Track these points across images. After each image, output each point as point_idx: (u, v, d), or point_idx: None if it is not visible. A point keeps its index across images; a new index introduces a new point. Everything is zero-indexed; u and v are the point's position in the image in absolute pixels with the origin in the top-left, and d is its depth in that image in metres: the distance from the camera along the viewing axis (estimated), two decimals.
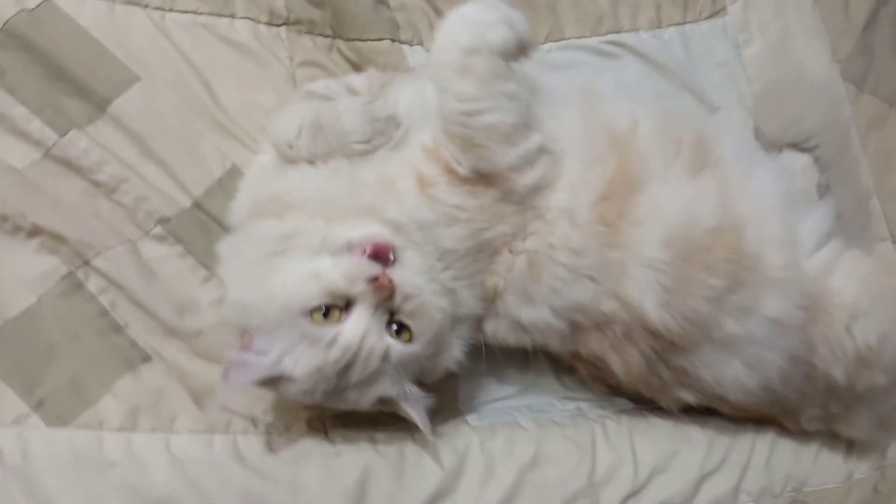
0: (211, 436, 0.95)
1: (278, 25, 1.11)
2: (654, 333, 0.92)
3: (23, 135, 0.98)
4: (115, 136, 1.01)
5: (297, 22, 1.11)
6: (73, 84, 1.01)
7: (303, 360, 0.85)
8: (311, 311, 0.84)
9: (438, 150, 0.88)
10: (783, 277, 0.93)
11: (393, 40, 1.10)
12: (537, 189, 0.90)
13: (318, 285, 0.84)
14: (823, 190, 1.23)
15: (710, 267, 0.90)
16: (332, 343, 0.83)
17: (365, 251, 0.85)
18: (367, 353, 0.84)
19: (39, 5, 1.00)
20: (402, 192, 0.88)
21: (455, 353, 0.94)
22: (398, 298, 0.85)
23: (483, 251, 0.91)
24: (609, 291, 0.91)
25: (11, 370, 0.92)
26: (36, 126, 0.98)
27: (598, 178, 0.91)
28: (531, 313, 0.93)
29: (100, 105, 1.01)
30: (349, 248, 0.86)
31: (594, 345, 0.96)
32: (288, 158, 0.93)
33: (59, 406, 0.92)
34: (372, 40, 1.10)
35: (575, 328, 0.95)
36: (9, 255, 0.96)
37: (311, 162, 0.92)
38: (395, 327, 0.86)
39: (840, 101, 1.28)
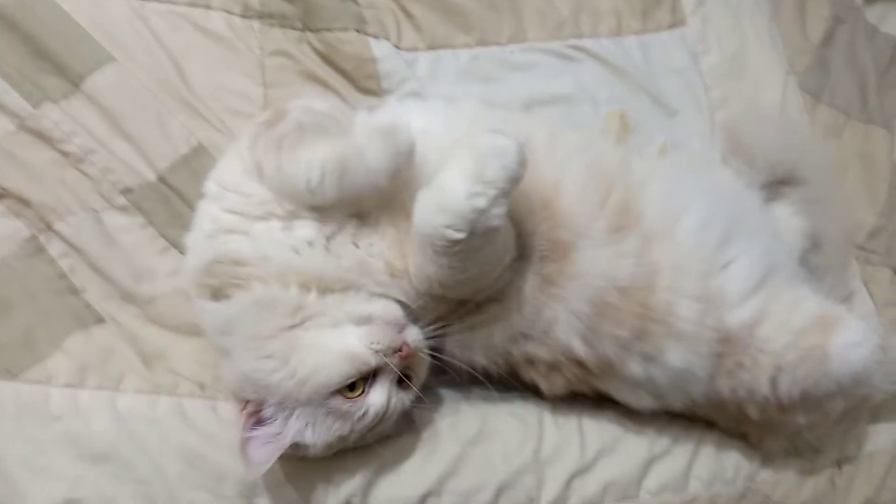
0: (157, 396, 0.96)
1: (251, 18, 1.17)
2: (578, 363, 0.96)
3: (0, 106, 1.03)
4: (86, 110, 1.06)
5: (270, 15, 1.18)
6: (52, 62, 1.06)
7: (327, 431, 0.87)
8: (343, 392, 0.86)
9: (405, 250, 0.88)
10: (692, 330, 0.94)
11: (359, 31, 1.16)
12: None
13: (353, 365, 0.85)
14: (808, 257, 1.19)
15: (620, 321, 0.93)
16: (363, 416, 0.87)
17: (387, 323, 0.88)
18: (391, 414, 0.89)
19: None
20: (376, 273, 0.88)
21: None
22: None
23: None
24: (539, 339, 0.95)
25: None
26: (13, 98, 1.04)
27: (538, 245, 0.93)
28: (469, 356, 0.96)
29: (74, 82, 1.06)
30: (369, 320, 0.88)
31: (524, 373, 0.99)
32: (307, 203, 0.87)
33: (9, 359, 0.94)
34: (338, 30, 1.15)
35: (507, 362, 0.99)
36: None
37: (322, 209, 0.88)
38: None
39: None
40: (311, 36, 1.17)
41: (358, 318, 0.87)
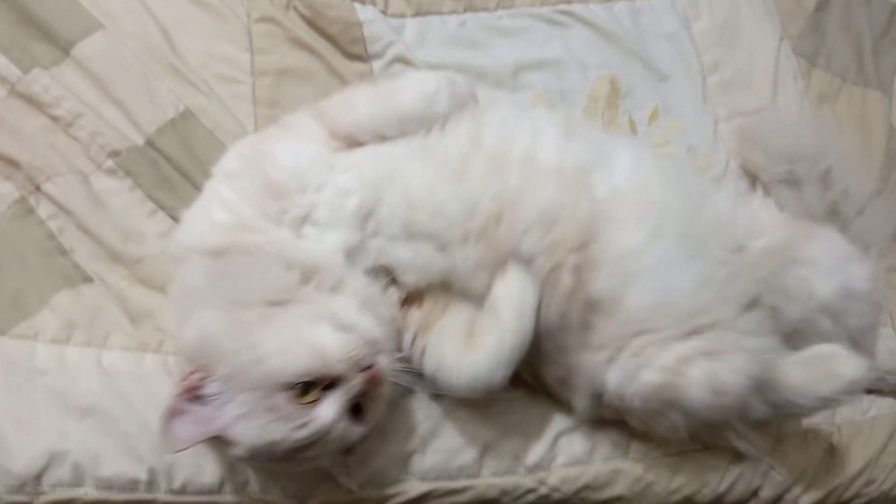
0: (143, 353, 0.97)
1: None
2: None
3: None
4: (75, 76, 1.08)
5: None
6: (41, 30, 1.08)
7: (260, 431, 0.80)
8: (295, 389, 0.80)
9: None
10: None
11: None
12: None
13: (318, 362, 0.81)
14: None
15: None
16: (302, 426, 0.80)
17: (365, 339, 0.84)
18: (331, 438, 0.82)
19: None
20: (380, 309, 0.89)
21: None
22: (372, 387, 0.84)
23: None
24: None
25: None
26: (3, 64, 1.06)
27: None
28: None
29: (64, 48, 1.08)
30: (351, 330, 0.84)
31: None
32: (423, 119, 0.93)
33: None
34: None
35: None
36: None
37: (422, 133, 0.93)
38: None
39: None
40: (296, 2, 1.18)
41: (340, 323, 0.83)
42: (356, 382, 0.81)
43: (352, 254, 0.91)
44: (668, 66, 1.29)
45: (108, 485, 0.92)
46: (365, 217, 0.91)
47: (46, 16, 1.08)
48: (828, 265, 1.01)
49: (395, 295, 0.94)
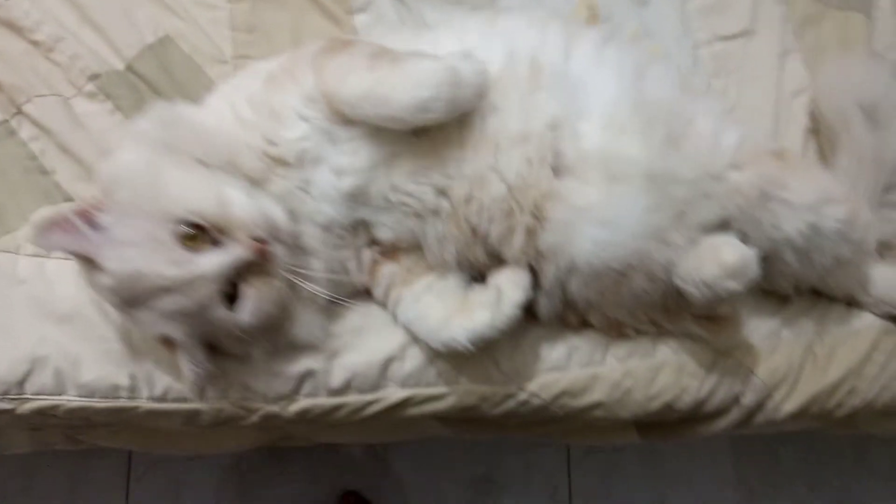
0: None
1: None
2: None
3: None
4: (55, 2, 1.10)
5: None
6: None
7: (133, 260, 0.81)
8: (183, 224, 0.82)
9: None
10: None
11: None
12: None
13: (213, 205, 0.82)
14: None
15: None
16: (175, 263, 0.81)
17: (271, 223, 0.85)
18: (192, 292, 0.81)
19: None
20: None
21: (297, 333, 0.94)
22: (253, 271, 0.84)
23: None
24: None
25: None
26: None
27: None
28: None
29: None
30: (265, 209, 0.86)
31: None
32: (393, 123, 0.88)
33: None
34: None
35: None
36: None
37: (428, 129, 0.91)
38: (226, 291, 0.84)
39: None
40: None
41: (255, 198, 0.85)
42: (244, 247, 0.82)
43: (331, 222, 0.94)
44: None
45: (89, 391, 0.94)
46: (355, 195, 0.93)
47: None
48: (802, 203, 1.00)
49: (368, 255, 0.98)
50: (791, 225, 0.99)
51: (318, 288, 0.91)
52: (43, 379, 0.92)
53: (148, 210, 0.82)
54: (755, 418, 1.12)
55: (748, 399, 1.10)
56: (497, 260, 0.97)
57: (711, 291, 0.92)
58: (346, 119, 0.90)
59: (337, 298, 0.95)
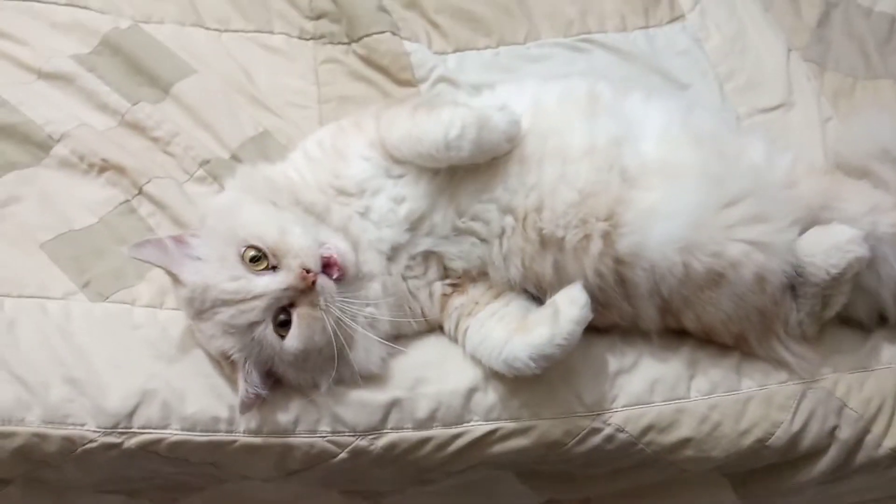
0: None
1: (306, 39, 1.41)
2: None
3: (104, 106, 1.27)
4: (173, 109, 1.28)
5: (321, 36, 1.41)
6: (147, 76, 1.30)
7: (202, 272, 0.94)
8: (248, 248, 0.94)
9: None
10: None
11: (393, 33, 1.37)
12: None
13: (274, 234, 0.94)
14: None
15: None
16: (235, 278, 0.93)
17: (326, 253, 0.95)
18: (246, 309, 0.92)
19: (129, 27, 1.35)
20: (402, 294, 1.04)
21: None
22: (305, 298, 0.93)
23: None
24: None
25: (68, 261, 1.10)
26: (114, 99, 1.27)
27: None
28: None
29: (164, 89, 1.29)
30: (321, 242, 0.96)
31: None
32: (430, 160, 1.00)
33: (100, 286, 1.08)
34: (376, 33, 1.37)
35: None
36: (82, 187, 1.19)
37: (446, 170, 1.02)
38: (281, 318, 0.94)
39: None
40: (354, 46, 1.39)
41: (315, 234, 0.96)
42: (294, 275, 0.92)
43: (396, 249, 1.03)
44: (686, 77, 1.42)
45: (191, 424, 0.98)
46: (417, 221, 1.03)
47: (151, 65, 1.30)
48: (857, 212, 1.07)
49: (438, 288, 1.05)
50: (844, 232, 1.04)
51: (375, 312, 0.98)
52: (150, 412, 0.97)
53: (224, 233, 0.96)
54: (856, 457, 1.08)
55: (845, 433, 1.07)
56: (563, 275, 1.02)
57: (840, 255, 1.01)
58: (397, 160, 1.03)
59: (394, 330, 1.01)
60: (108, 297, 1.07)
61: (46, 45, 1.31)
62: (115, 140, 1.23)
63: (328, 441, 1.00)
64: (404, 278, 1.03)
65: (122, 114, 1.26)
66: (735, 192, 1.02)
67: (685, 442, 1.05)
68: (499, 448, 1.03)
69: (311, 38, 1.42)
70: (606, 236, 1.00)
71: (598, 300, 1.00)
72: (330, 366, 0.96)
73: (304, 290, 0.92)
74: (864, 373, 1.08)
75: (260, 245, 0.94)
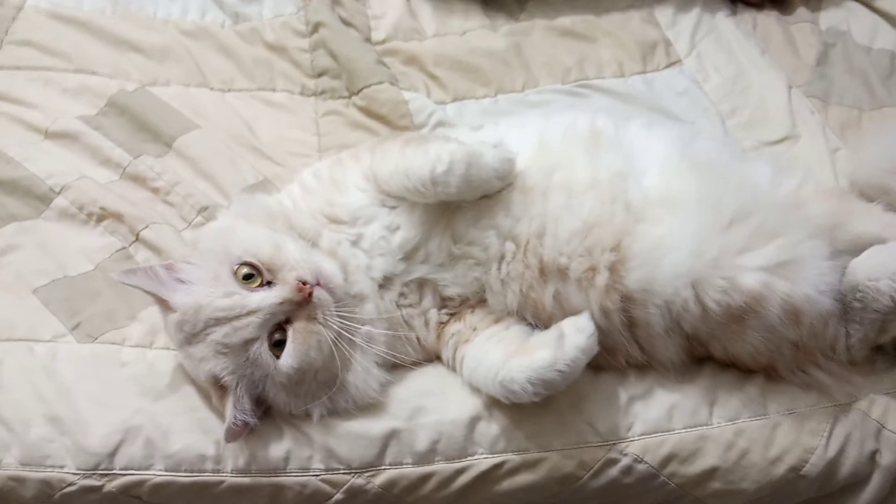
0: None
1: (308, 95, 1.44)
2: None
3: (107, 161, 1.28)
4: (175, 161, 1.29)
5: (322, 92, 1.44)
6: (151, 133, 1.33)
7: (195, 293, 0.91)
8: (242, 265, 0.92)
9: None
10: None
11: (391, 83, 1.39)
12: None
13: (269, 249, 0.93)
14: None
15: None
16: (229, 295, 0.90)
17: (316, 268, 0.93)
18: (240, 325, 0.88)
19: (136, 89, 1.39)
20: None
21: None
22: (301, 312, 0.90)
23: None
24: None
25: (60, 304, 1.08)
26: (118, 153, 1.28)
27: None
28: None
29: (167, 143, 1.31)
30: (315, 259, 0.94)
31: None
32: (417, 195, 0.97)
33: (90, 328, 1.06)
34: (375, 84, 1.39)
35: None
36: (79, 236, 1.19)
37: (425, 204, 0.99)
38: (276, 336, 0.90)
39: None
40: (354, 98, 1.41)
41: (307, 248, 0.95)
42: (290, 287, 0.89)
43: (388, 278, 1.00)
44: (687, 115, 1.41)
45: (176, 463, 0.92)
46: (412, 251, 1.01)
47: (155, 123, 1.33)
48: (868, 233, 1.03)
49: (434, 315, 1.02)
50: (863, 264, 0.99)
51: (372, 330, 0.94)
52: (133, 450, 0.92)
53: (217, 253, 0.95)
54: None
55: (887, 458, 0.98)
56: (566, 307, 0.97)
57: None
58: (388, 193, 1.01)
59: (390, 355, 0.96)
60: (96, 339, 1.04)
61: (55, 107, 1.35)
62: (116, 191, 1.24)
63: (322, 480, 0.93)
64: (398, 306, 0.99)
65: (123, 167, 1.27)
66: (735, 209, 0.98)
67: (711, 472, 0.96)
68: (507, 484, 0.95)
69: (313, 95, 1.45)
70: (614, 269, 0.96)
71: (602, 344, 0.94)
72: (324, 391, 0.91)
73: (301, 304, 0.89)
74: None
75: (254, 261, 0.92)
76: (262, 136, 1.35)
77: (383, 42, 1.52)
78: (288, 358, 0.89)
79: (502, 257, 0.99)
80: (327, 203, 1.02)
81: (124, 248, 1.18)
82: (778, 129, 1.39)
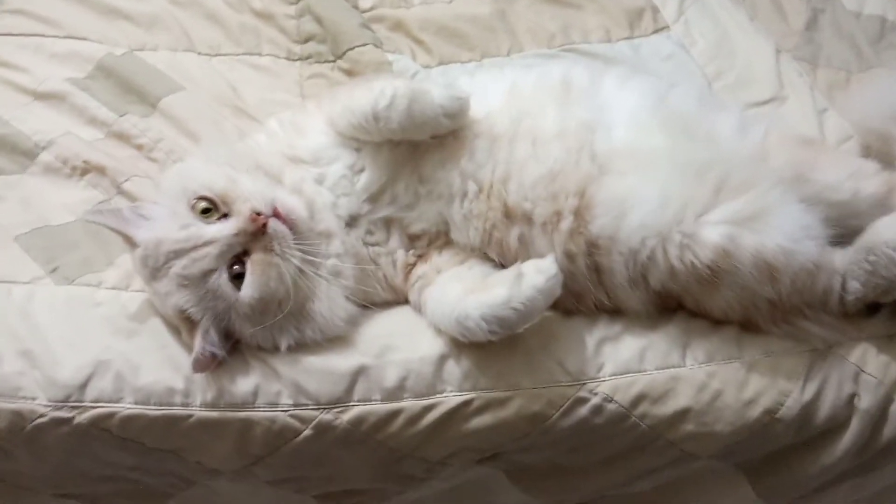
0: None
1: (293, 60, 1.45)
2: None
3: (93, 120, 1.29)
4: (160, 121, 1.30)
5: (308, 56, 1.45)
6: (137, 94, 1.34)
7: (155, 229, 0.93)
8: (198, 199, 0.93)
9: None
10: None
11: (375, 46, 1.40)
12: None
13: (223, 182, 0.94)
14: None
15: None
16: (186, 227, 0.92)
17: (274, 203, 0.93)
18: (198, 257, 0.90)
19: (124, 53, 1.40)
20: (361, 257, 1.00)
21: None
22: (258, 244, 0.91)
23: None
24: None
25: (40, 251, 1.09)
26: (103, 112, 1.30)
27: None
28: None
29: (152, 104, 1.32)
30: (271, 191, 0.95)
31: None
32: (363, 132, 0.98)
33: (68, 272, 1.06)
34: (359, 46, 1.40)
35: None
36: (62, 191, 1.20)
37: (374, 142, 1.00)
38: (236, 268, 0.91)
39: None
40: (339, 62, 1.42)
41: (265, 182, 0.96)
42: (244, 218, 0.90)
43: (354, 217, 1.01)
44: (674, 78, 1.40)
45: (145, 396, 0.93)
46: (377, 192, 1.01)
47: (141, 84, 1.33)
48: (833, 180, 1.02)
49: (402, 256, 1.01)
50: (837, 196, 0.99)
51: (339, 264, 0.95)
52: (103, 384, 0.93)
53: (176, 191, 0.97)
54: (882, 431, 0.97)
55: (865, 402, 0.96)
56: (531, 250, 0.97)
57: None
58: (340, 133, 1.02)
59: (359, 290, 0.97)
60: (73, 281, 1.05)
61: (44, 71, 1.36)
62: (101, 148, 1.25)
63: (290, 415, 0.93)
64: (365, 244, 1.00)
65: (109, 125, 1.29)
66: (701, 165, 0.98)
67: (684, 413, 0.95)
68: (476, 423, 0.94)
69: (299, 59, 1.45)
70: (578, 214, 0.96)
71: (569, 288, 0.94)
72: (291, 322, 0.92)
73: (256, 234, 0.90)
74: (878, 339, 0.98)
75: (209, 195, 0.93)
76: (246, 99, 1.36)
77: (370, 10, 1.53)
78: (248, 289, 0.90)
79: (464, 194, 0.99)
80: (289, 146, 1.03)
81: (107, 200, 1.19)
82: (764, 91, 1.38)
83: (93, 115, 1.30)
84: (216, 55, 1.45)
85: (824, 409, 0.95)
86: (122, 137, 1.28)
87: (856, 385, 0.96)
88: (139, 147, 1.27)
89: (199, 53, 1.44)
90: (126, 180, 1.20)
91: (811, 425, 0.96)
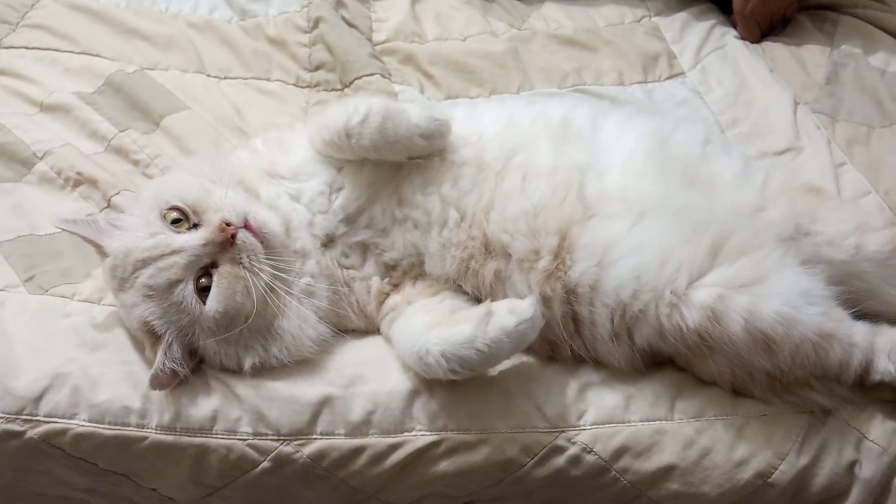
0: None
1: (302, 87, 1.45)
2: None
3: (95, 133, 1.29)
4: (161, 139, 1.30)
5: (317, 84, 1.45)
6: (142, 110, 1.34)
7: (125, 239, 0.91)
8: (170, 209, 0.91)
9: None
10: None
11: (383, 76, 1.39)
12: None
13: (195, 192, 0.92)
14: None
15: None
16: (154, 235, 0.89)
17: (247, 217, 0.91)
18: (165, 266, 0.87)
19: (135, 71, 1.41)
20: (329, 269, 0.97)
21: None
22: (227, 255, 0.88)
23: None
24: None
25: (19, 259, 1.07)
26: (105, 126, 1.30)
27: None
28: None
29: (156, 121, 1.32)
30: (246, 205, 0.92)
31: None
32: (336, 149, 0.97)
33: (44, 281, 1.04)
34: (366, 76, 1.39)
35: None
36: (55, 202, 1.18)
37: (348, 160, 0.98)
38: (203, 281, 0.88)
39: None
40: (347, 90, 1.41)
41: (240, 195, 0.94)
42: (213, 228, 0.87)
43: (331, 237, 0.98)
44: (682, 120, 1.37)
45: (100, 413, 0.89)
46: (355, 213, 0.98)
47: (147, 102, 1.34)
48: (837, 233, 0.96)
49: (377, 283, 0.98)
50: (837, 254, 0.93)
51: (312, 284, 0.92)
52: (59, 397, 0.89)
53: (150, 200, 0.94)
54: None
55: (867, 471, 0.88)
56: (508, 287, 0.93)
57: None
58: (319, 151, 1.00)
59: (331, 311, 0.94)
60: (47, 291, 1.03)
61: (55, 84, 1.37)
62: (98, 162, 1.25)
63: (248, 444, 0.89)
64: (340, 266, 0.96)
65: (109, 139, 1.29)
66: (697, 221, 0.93)
67: (668, 471, 0.88)
68: (445, 466, 0.88)
69: (307, 86, 1.45)
70: (558, 256, 0.91)
71: (544, 335, 0.90)
72: (257, 339, 0.88)
73: (225, 245, 0.87)
74: (884, 403, 0.91)
75: (181, 205, 0.91)
76: (250, 121, 1.35)
77: (384, 42, 1.53)
78: (213, 302, 0.86)
79: (444, 223, 0.96)
80: (270, 162, 1.02)
81: (92, 213, 1.18)
82: (780, 141, 1.33)
83: (94, 128, 1.30)
84: (225, 78, 1.45)
85: (822, 476, 0.88)
86: (120, 152, 1.28)
87: (857, 452, 0.89)
88: (136, 162, 1.26)
89: (209, 75, 1.45)
90: (116, 193, 1.18)
91: (807, 493, 0.88)
